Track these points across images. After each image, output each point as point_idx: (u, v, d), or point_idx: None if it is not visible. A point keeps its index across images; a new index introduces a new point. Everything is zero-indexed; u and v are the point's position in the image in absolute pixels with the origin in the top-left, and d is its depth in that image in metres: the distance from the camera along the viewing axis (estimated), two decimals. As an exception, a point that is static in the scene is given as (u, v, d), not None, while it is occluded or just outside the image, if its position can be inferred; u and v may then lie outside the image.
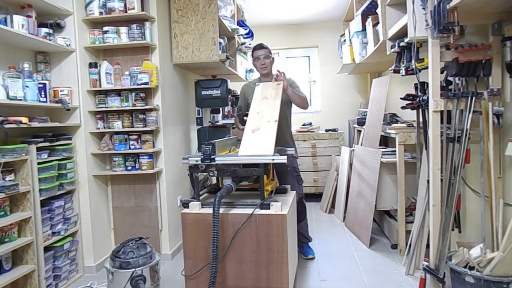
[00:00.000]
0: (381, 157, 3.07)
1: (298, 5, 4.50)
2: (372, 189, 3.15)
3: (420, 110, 2.56)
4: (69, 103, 2.63)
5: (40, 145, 2.38)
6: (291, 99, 2.80)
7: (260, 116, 2.32)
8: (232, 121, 3.73)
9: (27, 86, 2.33)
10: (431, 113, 2.12)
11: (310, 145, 4.70)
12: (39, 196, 2.33)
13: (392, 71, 2.70)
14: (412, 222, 2.75)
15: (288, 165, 2.65)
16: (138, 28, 2.82)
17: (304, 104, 2.85)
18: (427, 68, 2.18)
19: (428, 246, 2.33)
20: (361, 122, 4.00)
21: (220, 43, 3.24)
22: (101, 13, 2.81)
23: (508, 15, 1.93)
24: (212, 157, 2.04)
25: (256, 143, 2.11)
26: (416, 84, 2.44)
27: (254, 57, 2.91)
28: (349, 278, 2.58)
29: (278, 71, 2.68)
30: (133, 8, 2.79)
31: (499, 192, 2.00)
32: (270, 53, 2.90)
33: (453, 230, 2.15)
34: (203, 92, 3.45)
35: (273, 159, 1.99)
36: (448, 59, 2.10)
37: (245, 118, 2.82)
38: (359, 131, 4.16)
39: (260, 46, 2.89)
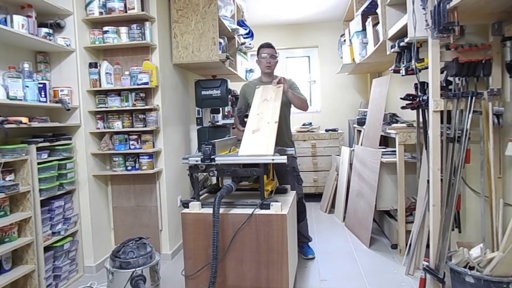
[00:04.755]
0: (381, 157, 3.07)
1: (298, 5, 4.50)
2: (372, 189, 3.15)
3: (420, 110, 2.56)
4: (69, 103, 2.63)
5: (40, 145, 2.38)
6: (291, 101, 2.80)
7: (260, 117, 2.32)
8: (232, 121, 3.73)
9: (27, 86, 2.33)
10: (431, 113, 2.12)
11: (310, 145, 4.70)
12: (39, 196, 2.33)
13: (392, 71, 2.70)
14: (412, 222, 2.75)
15: (287, 165, 2.65)
16: (138, 28, 2.82)
17: (304, 106, 2.85)
18: (427, 68, 2.18)
19: (428, 246, 2.33)
20: (361, 122, 4.00)
21: (220, 43, 3.24)
22: (101, 13, 2.81)
23: (508, 15, 1.93)
24: (212, 157, 2.04)
25: (256, 143, 2.11)
26: (416, 84, 2.44)
27: (260, 54, 2.90)
28: (349, 278, 2.58)
29: (281, 78, 2.67)
30: (133, 8, 2.79)
31: (499, 192, 2.00)
32: (276, 54, 2.91)
33: (453, 230, 2.15)
34: (203, 92, 3.45)
35: (273, 159, 1.99)
36: (448, 59, 2.10)
37: (245, 119, 2.82)
38: (359, 131, 4.16)
39: (268, 45, 2.89)
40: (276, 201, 1.99)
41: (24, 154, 2.25)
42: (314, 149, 4.71)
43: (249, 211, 1.96)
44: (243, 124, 2.84)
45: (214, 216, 1.83)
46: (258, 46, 2.96)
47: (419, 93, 2.44)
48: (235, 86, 4.17)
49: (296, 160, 2.96)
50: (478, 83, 2.10)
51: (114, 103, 2.85)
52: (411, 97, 2.55)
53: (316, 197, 4.66)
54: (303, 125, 4.95)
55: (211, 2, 3.06)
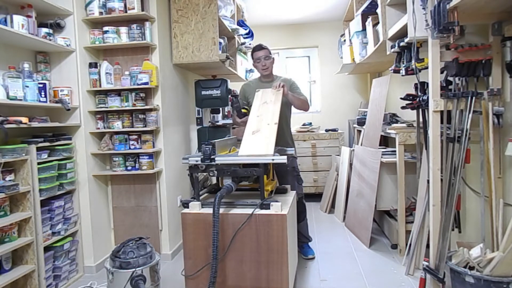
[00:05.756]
0: (381, 157, 3.07)
1: (298, 5, 4.50)
2: (372, 189, 3.15)
3: (420, 110, 2.56)
4: (69, 103, 2.63)
5: (40, 145, 2.38)
6: (291, 103, 2.80)
7: (260, 119, 2.32)
8: (232, 121, 3.73)
9: (27, 86, 2.32)
10: (431, 113, 2.12)
11: (310, 145, 4.70)
12: (39, 196, 2.33)
13: (392, 71, 2.70)
14: (412, 222, 2.75)
15: (288, 165, 2.65)
16: (138, 28, 2.82)
17: (305, 106, 2.85)
18: (427, 68, 2.18)
19: (428, 246, 2.33)
20: (361, 122, 4.00)
21: (220, 43, 3.24)
22: (101, 13, 2.81)
23: (508, 15, 1.93)
24: (212, 157, 2.04)
25: (256, 143, 2.11)
26: (416, 84, 2.44)
27: (254, 59, 2.91)
28: (349, 278, 2.58)
29: (280, 82, 2.65)
30: (133, 8, 2.79)
31: (499, 192, 2.00)
32: (270, 53, 2.90)
33: (453, 230, 2.15)
34: (203, 92, 3.45)
35: (273, 159, 1.99)
36: (448, 59, 2.10)
37: (242, 110, 2.83)
38: (359, 131, 4.16)
39: (260, 47, 2.88)
40: (276, 201, 1.99)
41: (24, 154, 2.25)
42: (314, 149, 4.71)
43: (249, 211, 1.96)
44: (240, 114, 2.83)
45: (214, 216, 1.83)
46: (251, 50, 2.95)
47: (419, 93, 2.44)
48: (235, 86, 4.16)
49: (296, 160, 2.95)
50: (478, 83, 2.10)
51: (114, 103, 2.85)
52: (411, 97, 2.55)
53: (316, 197, 4.66)
54: (303, 125, 4.95)
55: (211, 2, 3.06)
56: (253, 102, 2.56)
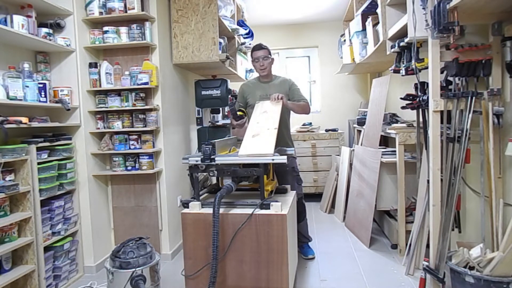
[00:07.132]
0: (381, 157, 3.07)
1: (298, 5, 4.51)
2: (372, 189, 3.15)
3: (420, 110, 2.56)
4: (69, 103, 2.63)
5: (40, 145, 2.38)
6: (292, 110, 2.81)
7: (260, 125, 2.33)
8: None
9: (27, 86, 2.32)
10: (431, 113, 2.12)
11: (310, 145, 4.70)
12: (39, 196, 2.33)
13: (392, 71, 2.70)
14: (412, 222, 2.75)
15: (287, 165, 2.65)
16: (138, 28, 2.82)
17: (306, 110, 2.86)
18: (427, 68, 2.18)
19: (428, 246, 2.33)
20: (361, 122, 4.00)
21: (220, 43, 3.24)
22: (101, 13, 2.81)
23: (508, 15, 1.93)
24: (212, 157, 2.04)
25: (256, 144, 2.12)
26: (416, 84, 2.44)
27: (253, 58, 2.90)
28: (349, 278, 2.58)
29: (279, 94, 2.63)
30: (133, 8, 2.79)
31: (499, 192, 2.00)
32: (270, 54, 2.89)
33: (453, 230, 2.15)
34: (203, 92, 3.45)
35: (273, 159, 1.99)
36: (448, 59, 2.10)
37: (238, 113, 2.83)
38: (359, 131, 4.16)
39: (259, 47, 2.88)
40: (276, 201, 1.99)
41: (24, 154, 2.25)
42: (314, 149, 4.71)
43: (249, 211, 1.96)
44: (236, 117, 2.83)
45: (214, 216, 1.83)
46: (251, 49, 2.95)
47: (419, 93, 2.44)
48: (235, 86, 4.16)
49: (295, 160, 2.96)
50: (478, 83, 2.10)
51: (114, 103, 2.85)
52: (411, 97, 2.55)
53: (316, 197, 4.66)
54: (303, 125, 4.95)
55: (211, 2, 3.06)
56: (253, 112, 2.57)
